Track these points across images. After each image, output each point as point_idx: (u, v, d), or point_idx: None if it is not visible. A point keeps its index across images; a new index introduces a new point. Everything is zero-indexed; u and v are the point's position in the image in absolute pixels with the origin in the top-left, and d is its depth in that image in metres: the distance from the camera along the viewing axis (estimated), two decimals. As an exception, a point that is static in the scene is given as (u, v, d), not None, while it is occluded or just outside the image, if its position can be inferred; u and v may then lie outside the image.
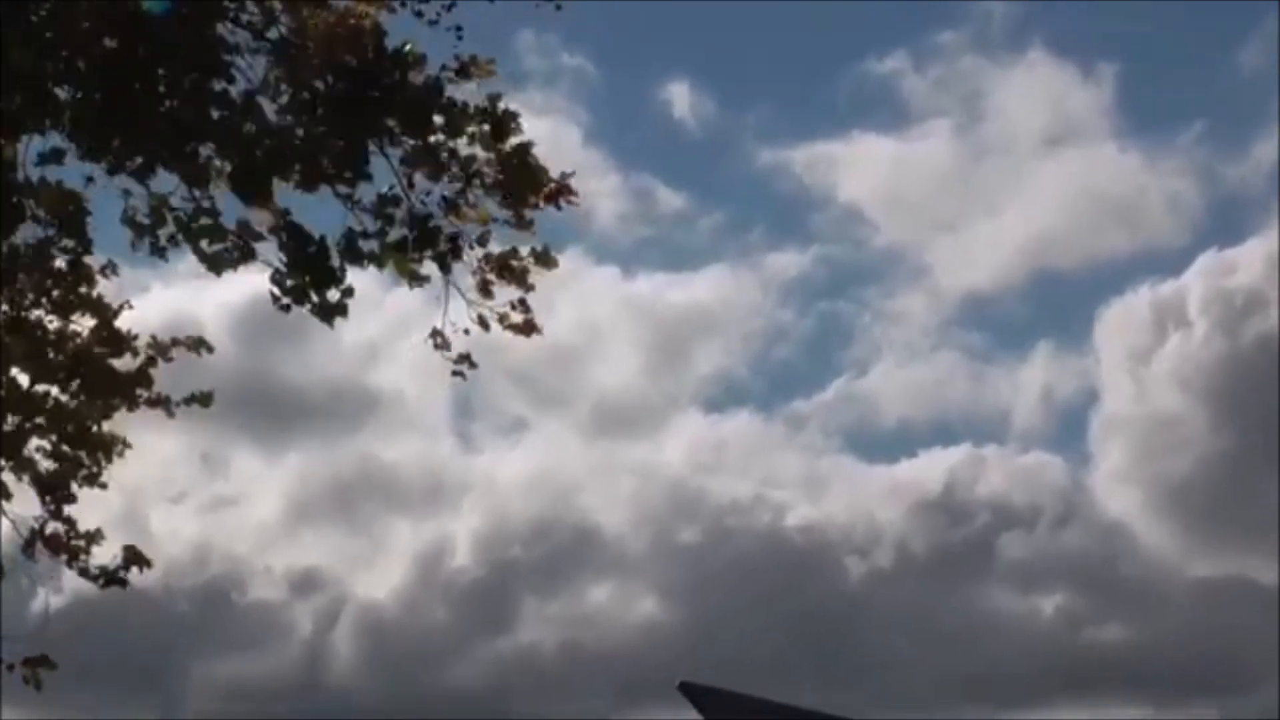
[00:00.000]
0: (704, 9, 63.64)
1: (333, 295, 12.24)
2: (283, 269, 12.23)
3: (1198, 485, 56.35)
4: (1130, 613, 53.46)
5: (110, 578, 14.87)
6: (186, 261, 12.53)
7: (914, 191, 68.37)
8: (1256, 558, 52.89)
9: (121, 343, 13.95)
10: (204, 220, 12.19)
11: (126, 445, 14.87)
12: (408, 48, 11.83)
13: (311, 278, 12.15)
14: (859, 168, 68.95)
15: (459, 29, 11.84)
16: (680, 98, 68.99)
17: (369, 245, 12.18)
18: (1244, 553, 55.29)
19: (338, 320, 12.18)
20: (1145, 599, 53.82)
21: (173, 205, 12.29)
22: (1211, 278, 57.17)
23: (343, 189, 12.00)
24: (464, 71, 11.82)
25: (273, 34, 11.97)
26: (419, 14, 11.75)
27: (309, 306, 12.28)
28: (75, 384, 13.90)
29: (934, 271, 68.74)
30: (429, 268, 12.46)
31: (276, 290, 12.25)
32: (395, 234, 12.18)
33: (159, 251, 12.46)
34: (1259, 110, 66.01)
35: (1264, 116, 66.54)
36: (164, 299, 15.09)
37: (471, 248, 12.45)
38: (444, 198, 12.14)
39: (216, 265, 12.22)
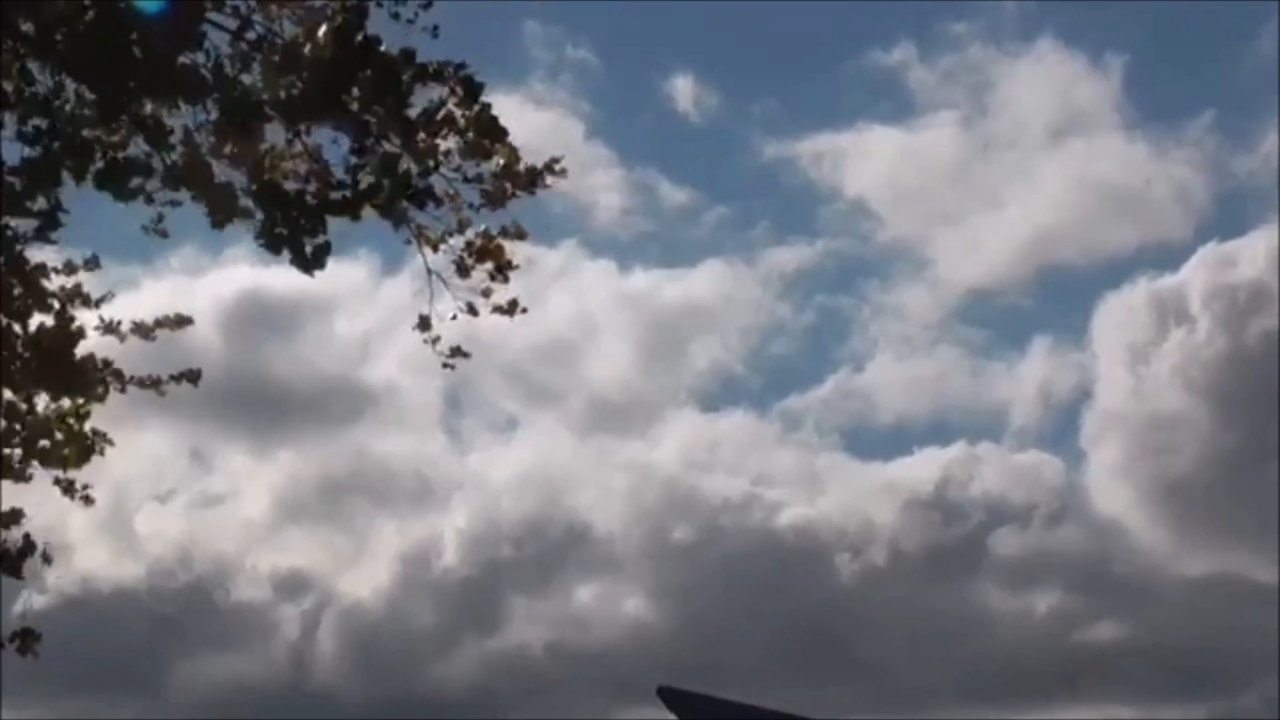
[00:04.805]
0: (708, 1, 63.51)
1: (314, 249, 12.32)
2: (265, 221, 12.24)
3: (1193, 482, 56.33)
4: (1124, 611, 53.49)
5: (8, 565, 14.00)
6: (178, 256, 12.48)
7: (919, 184, 68.23)
8: (1253, 555, 52.94)
9: (71, 338, 13.62)
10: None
11: (108, 442, 14.18)
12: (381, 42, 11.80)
13: (291, 230, 12.11)
14: (865, 160, 68.90)
15: (435, 29, 11.68)
16: (684, 91, 68.94)
17: (341, 193, 12.20)
18: (1240, 550, 55.39)
19: (320, 287, 12.15)
20: (1139, 597, 53.87)
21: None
22: (1211, 270, 57.17)
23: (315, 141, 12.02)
24: (435, 75, 11.73)
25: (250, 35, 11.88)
26: (395, 15, 11.58)
27: (290, 259, 12.22)
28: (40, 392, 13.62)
29: (937, 265, 68.51)
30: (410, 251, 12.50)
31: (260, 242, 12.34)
32: (365, 181, 12.15)
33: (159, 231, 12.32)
34: (1270, 101, 65.76)
35: (1274, 108, 66.43)
36: (154, 295, 14.96)
37: (448, 237, 12.53)
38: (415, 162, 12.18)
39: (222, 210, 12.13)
